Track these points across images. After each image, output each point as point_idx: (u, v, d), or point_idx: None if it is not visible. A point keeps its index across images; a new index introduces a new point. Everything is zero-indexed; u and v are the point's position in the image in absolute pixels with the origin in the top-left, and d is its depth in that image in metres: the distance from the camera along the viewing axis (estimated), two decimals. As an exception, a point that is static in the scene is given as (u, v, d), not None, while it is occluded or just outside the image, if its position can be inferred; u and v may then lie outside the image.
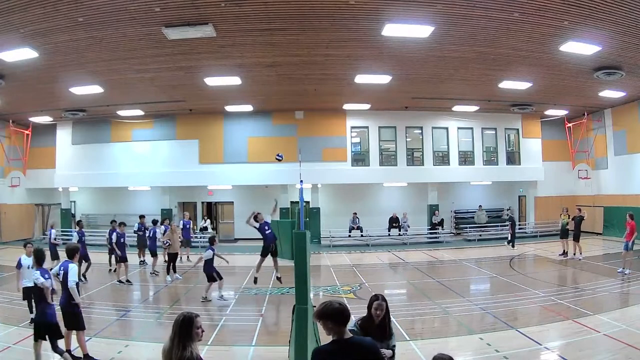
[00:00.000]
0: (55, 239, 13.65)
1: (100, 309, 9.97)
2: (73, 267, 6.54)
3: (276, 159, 8.88)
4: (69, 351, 6.43)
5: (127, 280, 12.66)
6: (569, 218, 16.36)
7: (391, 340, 4.02)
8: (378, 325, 3.90)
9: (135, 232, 15.25)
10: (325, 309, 3.05)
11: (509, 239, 18.90)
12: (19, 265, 8.10)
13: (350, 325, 3.95)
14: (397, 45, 12.25)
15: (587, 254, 15.72)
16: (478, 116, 21.72)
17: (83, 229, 13.62)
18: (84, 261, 12.70)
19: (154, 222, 15.37)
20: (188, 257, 16.98)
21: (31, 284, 7.55)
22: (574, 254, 15.33)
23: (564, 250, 16.11)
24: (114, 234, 13.15)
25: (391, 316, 4.08)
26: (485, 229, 21.92)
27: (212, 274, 10.66)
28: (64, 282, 6.46)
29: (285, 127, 21.24)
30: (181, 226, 16.83)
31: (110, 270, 14.07)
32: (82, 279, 12.55)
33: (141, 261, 15.51)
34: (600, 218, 21.04)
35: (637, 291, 10.48)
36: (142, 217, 16.43)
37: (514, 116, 21.91)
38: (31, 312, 7.83)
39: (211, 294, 10.79)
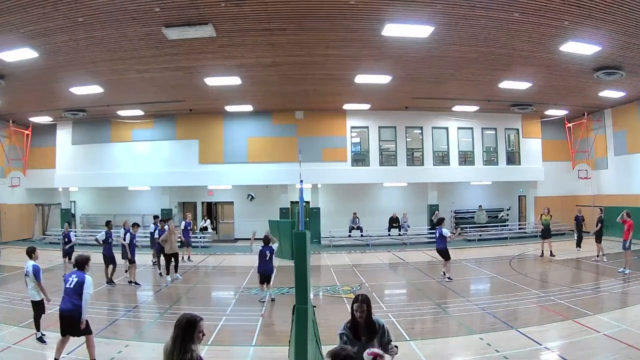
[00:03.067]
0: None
1: (100, 309, 9.95)
2: (89, 279, 6.29)
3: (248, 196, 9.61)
4: None
5: (135, 282, 12.64)
6: (550, 218, 16.25)
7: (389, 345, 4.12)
8: (365, 325, 4.02)
9: (151, 233, 15.37)
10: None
11: (579, 239, 17.15)
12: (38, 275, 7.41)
13: (340, 329, 4.09)
14: (397, 45, 12.25)
15: (588, 254, 15.73)
16: (478, 116, 21.72)
17: (112, 230, 13.28)
18: (111, 265, 12.66)
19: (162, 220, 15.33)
20: (189, 257, 17.03)
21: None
22: (597, 255, 14.88)
23: (542, 252, 16.06)
24: (128, 234, 13.07)
25: (385, 325, 4.13)
26: (485, 229, 21.92)
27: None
28: (74, 290, 6.16)
29: (285, 127, 21.23)
30: (182, 227, 16.85)
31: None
32: (112, 282, 12.53)
33: (154, 262, 15.63)
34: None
35: (637, 291, 10.47)
36: (156, 217, 16.48)
37: (514, 116, 21.91)
38: (38, 329, 7.52)
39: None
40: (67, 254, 13.51)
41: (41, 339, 7.44)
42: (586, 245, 16.73)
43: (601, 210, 15.95)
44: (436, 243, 13.39)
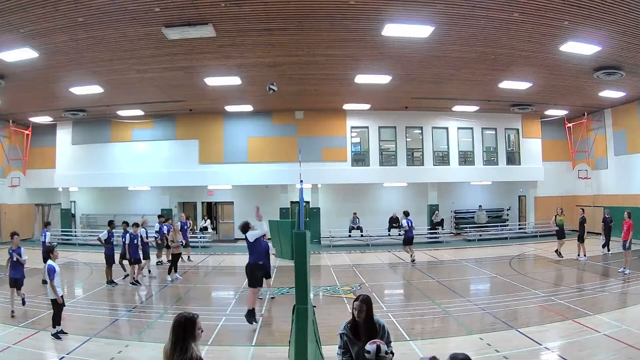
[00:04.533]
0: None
1: (100, 309, 9.96)
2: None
3: (269, 87, 9.99)
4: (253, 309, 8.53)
5: (136, 281, 12.65)
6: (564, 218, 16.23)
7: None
8: (364, 325, 4.01)
9: (156, 232, 15.36)
10: None
11: (606, 242, 16.28)
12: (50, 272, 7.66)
13: (340, 329, 4.06)
14: (397, 45, 12.25)
15: (588, 254, 15.69)
16: (478, 116, 21.72)
17: (113, 230, 13.22)
18: (112, 265, 12.66)
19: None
20: (189, 257, 17.02)
21: None
22: (578, 255, 15.26)
23: (558, 251, 16.02)
24: (127, 235, 12.97)
25: (385, 325, 4.11)
26: (485, 229, 21.92)
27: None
28: (264, 251, 9.12)
29: (285, 127, 21.23)
30: (179, 227, 16.83)
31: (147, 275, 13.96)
32: (112, 282, 12.45)
33: (159, 261, 15.56)
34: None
35: (637, 291, 10.47)
36: (160, 216, 16.45)
37: (514, 116, 21.91)
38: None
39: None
40: (15, 282, 9.28)
41: (56, 335, 7.58)
42: (586, 245, 16.65)
43: (583, 210, 16.02)
44: (407, 233, 15.74)
